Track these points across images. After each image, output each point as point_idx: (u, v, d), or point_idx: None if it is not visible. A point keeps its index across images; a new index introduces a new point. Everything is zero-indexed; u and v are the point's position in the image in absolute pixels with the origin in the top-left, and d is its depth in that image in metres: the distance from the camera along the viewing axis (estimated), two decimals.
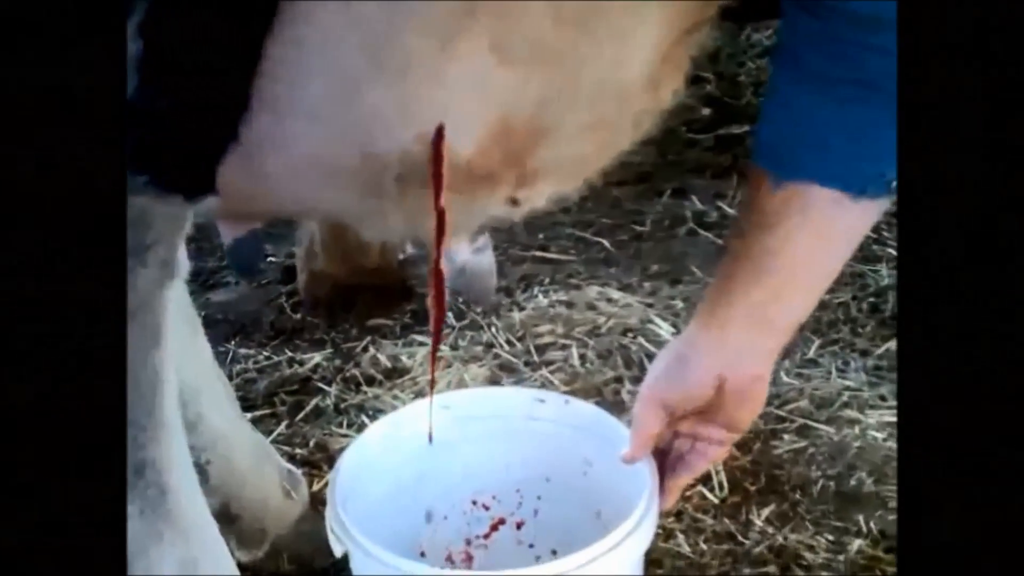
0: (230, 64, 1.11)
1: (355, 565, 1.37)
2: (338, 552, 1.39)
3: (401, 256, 2.43)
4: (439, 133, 1.15)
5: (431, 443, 1.57)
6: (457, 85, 1.13)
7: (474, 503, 1.65)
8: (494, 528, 1.66)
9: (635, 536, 1.35)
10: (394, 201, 1.22)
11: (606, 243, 2.65)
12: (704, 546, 1.76)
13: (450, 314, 2.36)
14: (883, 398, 2.05)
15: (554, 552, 1.60)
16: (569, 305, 2.41)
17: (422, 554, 1.61)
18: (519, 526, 1.65)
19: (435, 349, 1.43)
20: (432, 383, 1.50)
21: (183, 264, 1.29)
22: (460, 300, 2.38)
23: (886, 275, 2.42)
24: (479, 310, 2.38)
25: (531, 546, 1.65)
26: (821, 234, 1.31)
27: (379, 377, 2.21)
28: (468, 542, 1.65)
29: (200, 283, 2.53)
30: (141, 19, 1.06)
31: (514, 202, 1.29)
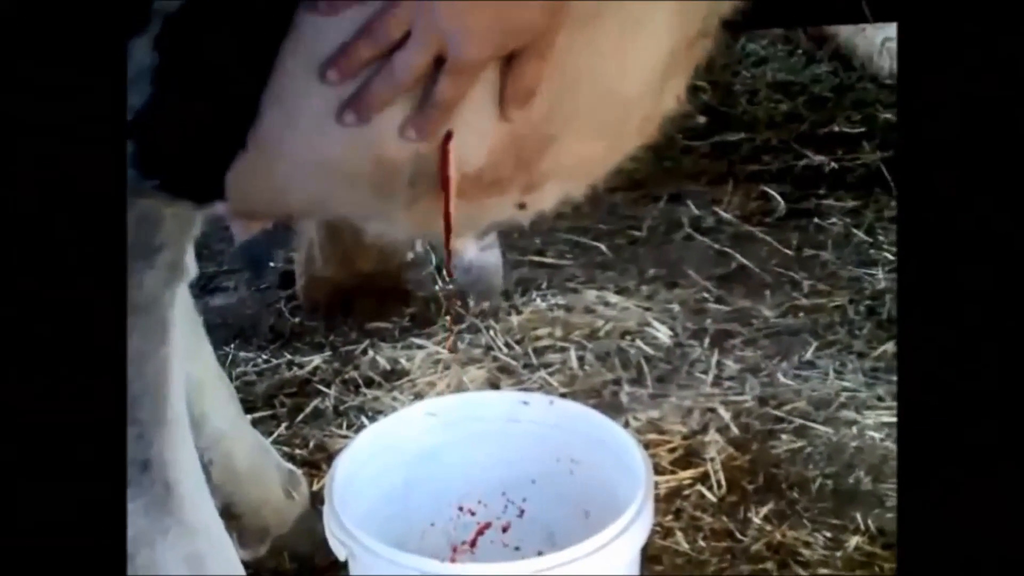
0: (244, 75, 1.13)
1: (355, 565, 1.38)
2: (341, 556, 1.40)
3: (410, 256, 2.45)
4: (447, 138, 1.17)
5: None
6: (468, 96, 1.15)
7: (460, 508, 1.65)
8: (480, 533, 1.66)
9: (627, 535, 1.35)
10: (405, 203, 1.24)
11: (603, 247, 2.66)
12: (703, 543, 1.77)
13: (447, 318, 2.38)
14: (880, 399, 2.07)
15: (540, 554, 1.60)
16: (567, 308, 2.42)
17: None
18: (505, 529, 1.66)
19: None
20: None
21: (191, 267, 1.31)
22: (459, 304, 2.40)
23: (882, 278, 2.44)
24: (477, 313, 2.39)
25: (517, 549, 1.65)
26: None
27: (378, 379, 2.22)
28: (454, 548, 1.65)
29: (200, 287, 2.53)
30: (158, 32, 1.08)
31: (522, 206, 1.31)
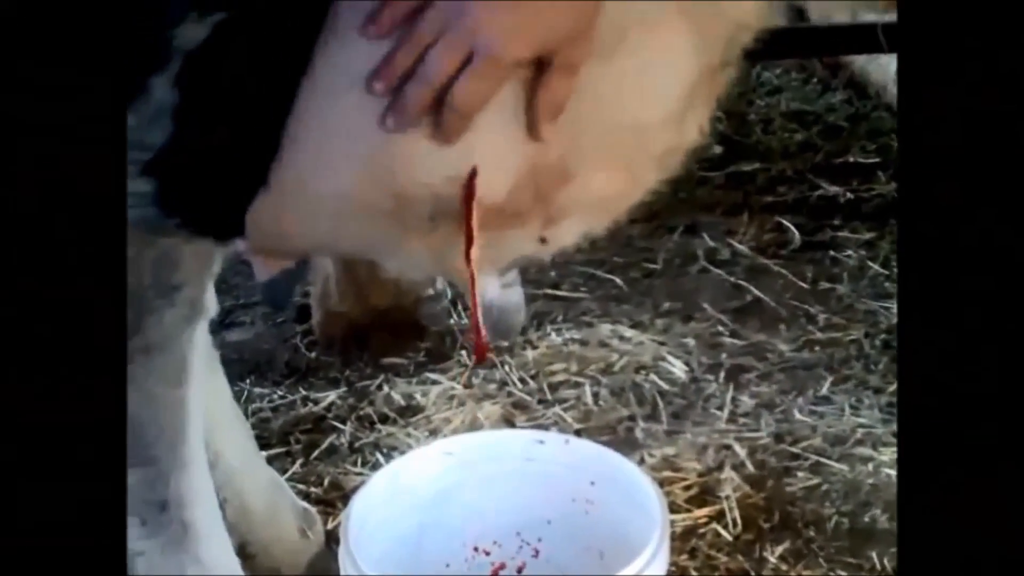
0: (263, 112, 1.14)
1: None
2: None
3: (431, 292, 2.45)
4: (472, 175, 1.17)
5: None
6: (488, 127, 1.15)
7: (475, 549, 1.64)
8: (495, 574, 1.64)
9: None
10: (425, 239, 1.24)
11: (618, 280, 2.66)
12: None
13: (463, 352, 2.38)
14: (896, 435, 2.05)
15: None
16: (582, 343, 2.42)
17: None
18: (520, 570, 1.65)
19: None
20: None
21: (211, 304, 1.31)
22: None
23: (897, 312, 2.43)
24: (492, 349, 2.39)
25: None
26: None
27: (393, 415, 2.22)
28: None
29: (216, 322, 2.54)
30: (178, 70, 1.09)
31: (543, 241, 1.31)
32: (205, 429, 1.52)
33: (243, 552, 1.66)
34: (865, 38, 2.84)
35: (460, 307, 2.48)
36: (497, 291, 2.29)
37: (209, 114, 1.13)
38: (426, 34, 1.10)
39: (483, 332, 1.30)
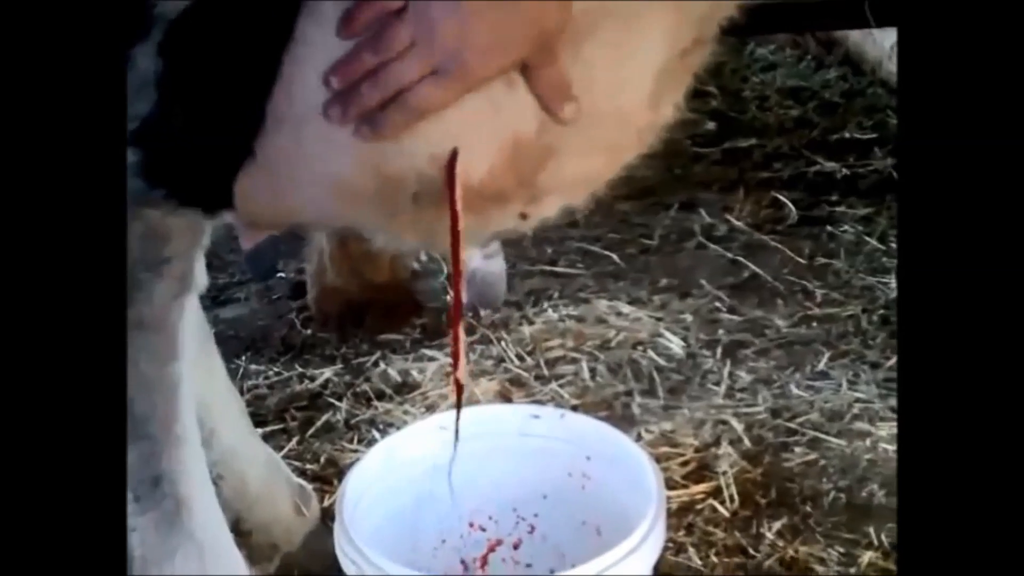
0: (248, 82, 1.13)
1: None
2: (351, 573, 1.39)
3: (416, 266, 2.44)
4: (453, 157, 1.16)
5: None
6: (470, 107, 1.15)
7: (471, 525, 1.63)
8: (491, 550, 1.64)
9: (638, 554, 1.34)
10: (409, 216, 1.23)
11: (615, 257, 2.65)
12: (715, 559, 1.76)
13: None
14: (894, 410, 2.05)
15: (552, 571, 1.60)
16: (579, 319, 2.41)
17: None
18: (516, 547, 1.64)
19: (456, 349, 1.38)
20: (459, 389, 1.45)
21: (200, 278, 1.30)
22: (471, 315, 2.39)
23: (895, 287, 2.42)
24: (489, 324, 2.39)
25: (528, 566, 1.63)
26: None
27: (389, 392, 2.22)
28: (465, 566, 1.64)
29: (211, 299, 2.53)
30: (161, 39, 1.08)
31: (524, 216, 1.30)
32: (200, 407, 1.51)
33: (238, 529, 1.65)
34: (852, 13, 2.83)
35: (452, 290, 2.46)
36: (480, 261, 2.29)
37: (193, 83, 1.12)
38: (396, 42, 1.10)
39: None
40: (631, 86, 1.23)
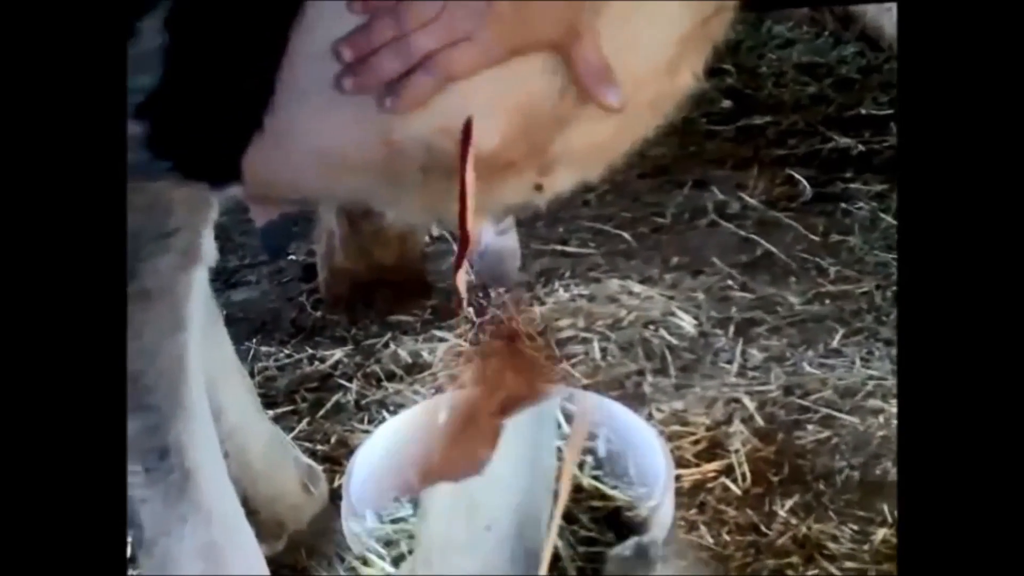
0: (255, 55, 1.12)
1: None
2: (357, 551, 1.39)
3: (427, 239, 2.43)
4: (468, 126, 1.15)
5: None
6: (480, 76, 1.13)
7: None
8: None
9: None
10: (418, 189, 1.23)
11: (627, 236, 2.63)
12: (727, 537, 1.74)
13: (470, 309, 2.36)
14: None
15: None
16: (590, 298, 2.40)
17: None
18: None
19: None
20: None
21: (209, 251, 1.28)
22: (480, 295, 2.37)
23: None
24: (499, 304, 2.37)
25: None
26: None
27: (400, 373, 2.21)
28: None
29: (222, 282, 2.53)
30: (167, 13, 1.07)
31: (539, 187, 1.29)
32: (207, 384, 1.51)
33: (245, 506, 1.64)
34: None
35: (467, 264, 2.45)
36: (492, 237, 2.27)
37: (200, 55, 1.11)
38: (418, 16, 1.09)
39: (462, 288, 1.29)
40: (646, 51, 1.22)
